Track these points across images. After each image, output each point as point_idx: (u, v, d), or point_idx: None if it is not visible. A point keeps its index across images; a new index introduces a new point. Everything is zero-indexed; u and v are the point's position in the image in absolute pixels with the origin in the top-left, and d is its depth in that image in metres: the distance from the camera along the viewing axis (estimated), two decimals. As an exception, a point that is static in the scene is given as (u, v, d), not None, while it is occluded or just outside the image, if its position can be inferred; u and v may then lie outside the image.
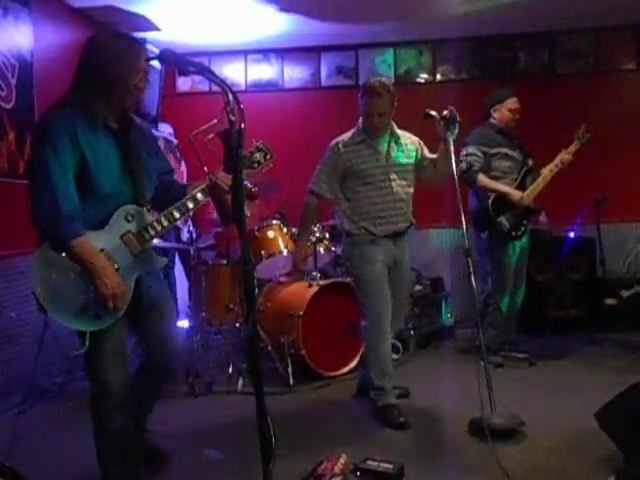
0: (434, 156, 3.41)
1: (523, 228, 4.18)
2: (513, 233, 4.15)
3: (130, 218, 2.24)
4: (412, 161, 3.44)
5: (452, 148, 3.13)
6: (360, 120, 3.42)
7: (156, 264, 2.39)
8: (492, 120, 4.25)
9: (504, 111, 4.23)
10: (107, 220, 2.20)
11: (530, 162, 4.25)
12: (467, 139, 4.16)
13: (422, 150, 3.49)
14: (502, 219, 4.10)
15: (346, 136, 3.44)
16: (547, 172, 4.15)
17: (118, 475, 2.32)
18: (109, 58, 2.16)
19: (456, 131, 3.16)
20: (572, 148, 4.17)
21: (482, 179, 4.14)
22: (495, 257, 4.20)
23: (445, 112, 3.15)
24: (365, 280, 3.37)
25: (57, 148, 2.10)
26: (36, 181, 2.12)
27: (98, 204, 2.20)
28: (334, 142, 3.45)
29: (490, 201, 4.11)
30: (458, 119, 3.15)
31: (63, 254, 2.12)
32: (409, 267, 3.63)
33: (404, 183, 3.41)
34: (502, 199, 4.09)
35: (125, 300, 2.21)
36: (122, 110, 2.26)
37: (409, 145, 3.45)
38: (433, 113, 3.18)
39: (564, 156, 4.15)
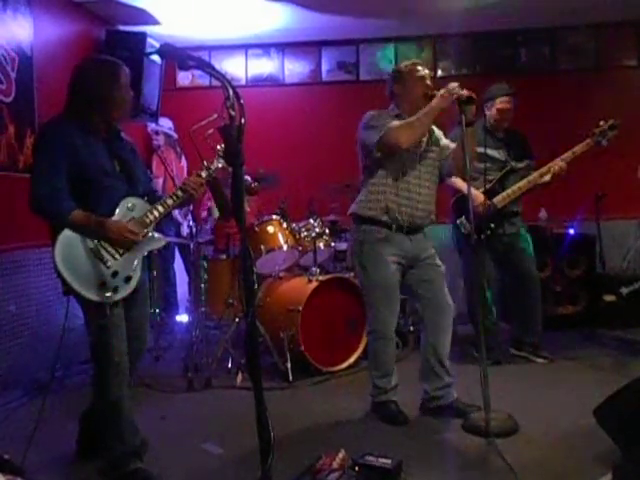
0: (453, 145, 3.25)
1: (489, 232, 4.03)
2: (475, 236, 4.06)
3: (132, 207, 2.61)
4: (439, 150, 3.26)
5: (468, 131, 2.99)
6: (395, 104, 3.23)
7: (157, 244, 2.76)
8: (482, 117, 4.02)
9: (493, 110, 4.11)
10: (113, 211, 2.56)
11: (515, 164, 4.10)
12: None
13: (443, 139, 3.32)
14: (464, 221, 4.02)
15: (389, 114, 3.17)
16: (524, 182, 4.01)
17: (120, 450, 2.53)
18: (95, 80, 2.57)
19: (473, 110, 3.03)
20: (580, 148, 3.95)
21: (451, 178, 3.98)
22: (464, 257, 4.17)
23: (463, 92, 3.03)
24: (376, 284, 3.18)
25: (54, 152, 2.47)
26: (34, 176, 2.50)
27: (101, 197, 2.54)
28: (381, 111, 3.17)
29: (452, 201, 4.04)
30: (474, 97, 3.02)
31: (79, 237, 2.45)
32: (436, 263, 3.25)
33: (433, 176, 3.25)
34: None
35: (138, 239, 2.56)
36: (113, 119, 2.64)
37: (436, 132, 3.29)
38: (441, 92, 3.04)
39: (554, 167, 3.95)
